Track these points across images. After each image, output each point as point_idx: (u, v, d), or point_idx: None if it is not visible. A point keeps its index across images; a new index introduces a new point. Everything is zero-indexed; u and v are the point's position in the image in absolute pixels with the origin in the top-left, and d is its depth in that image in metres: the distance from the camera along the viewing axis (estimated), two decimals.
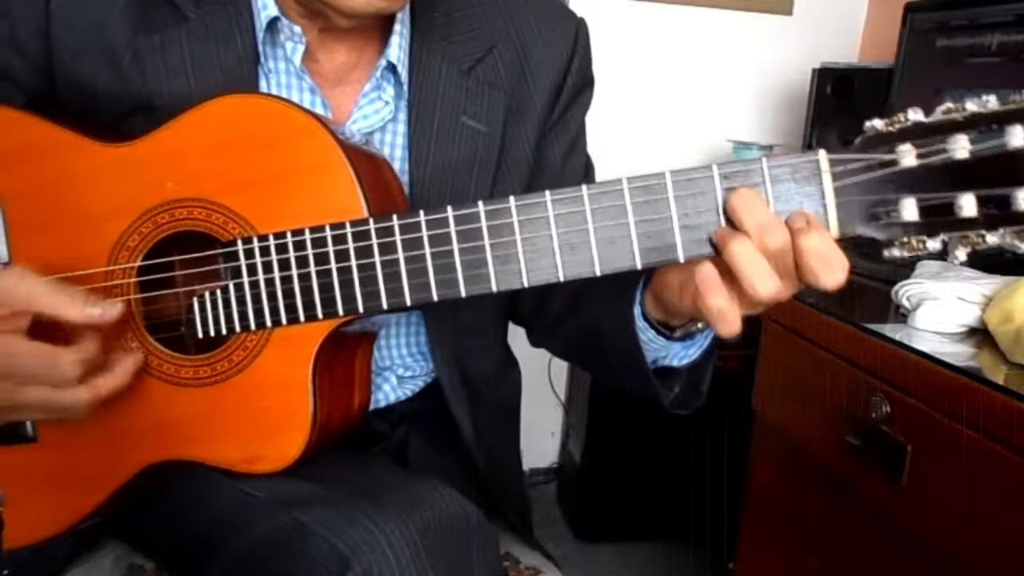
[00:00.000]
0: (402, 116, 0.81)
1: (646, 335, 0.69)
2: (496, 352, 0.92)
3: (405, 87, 0.79)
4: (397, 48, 0.78)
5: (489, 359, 0.90)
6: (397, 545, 0.60)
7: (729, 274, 0.57)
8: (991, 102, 0.54)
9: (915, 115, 0.56)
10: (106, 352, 0.67)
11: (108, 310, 0.65)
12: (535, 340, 0.94)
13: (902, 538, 0.96)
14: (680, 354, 0.72)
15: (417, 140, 0.79)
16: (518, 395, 0.98)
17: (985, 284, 0.98)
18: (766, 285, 0.56)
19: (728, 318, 0.57)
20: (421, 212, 0.63)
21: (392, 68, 0.78)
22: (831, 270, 0.55)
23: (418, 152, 0.79)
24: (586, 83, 0.88)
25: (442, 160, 0.79)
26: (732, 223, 0.57)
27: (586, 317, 0.79)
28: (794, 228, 0.56)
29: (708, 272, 0.57)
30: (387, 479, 0.71)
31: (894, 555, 0.98)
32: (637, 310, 0.69)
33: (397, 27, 0.78)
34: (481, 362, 0.88)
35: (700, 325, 0.68)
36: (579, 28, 0.86)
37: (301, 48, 0.75)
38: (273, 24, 0.75)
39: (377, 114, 0.80)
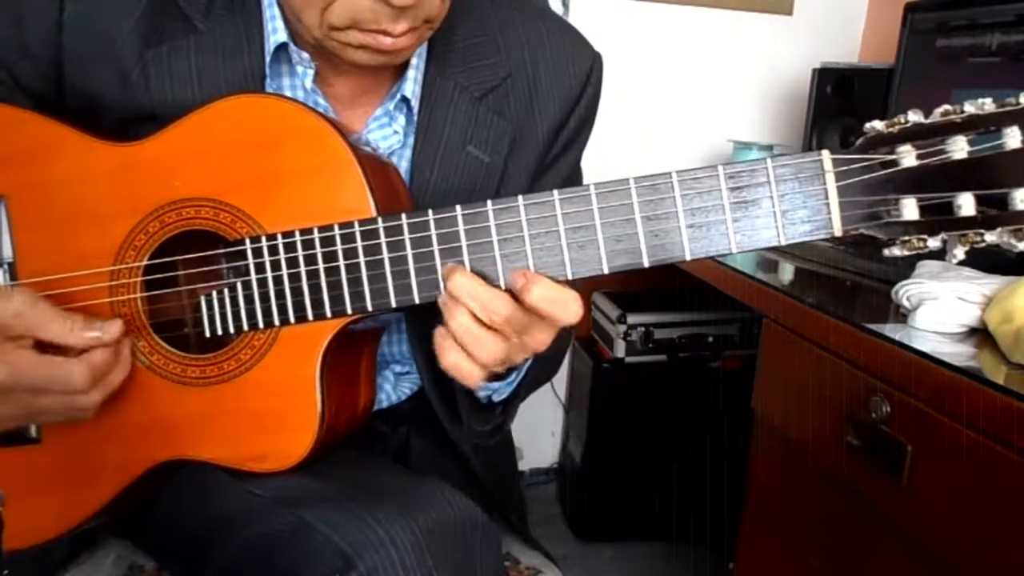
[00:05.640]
0: (410, 142, 0.80)
1: None
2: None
3: (415, 115, 0.79)
4: (412, 82, 0.77)
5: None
6: (401, 545, 0.60)
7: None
8: (988, 104, 0.55)
9: (915, 116, 0.57)
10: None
11: (108, 330, 0.67)
12: None
13: (902, 538, 0.96)
14: (503, 391, 0.77)
15: (419, 166, 0.79)
16: None
17: (985, 284, 0.98)
18: (489, 351, 0.60)
19: (462, 371, 0.61)
20: (430, 211, 0.63)
21: (405, 100, 0.78)
22: (565, 307, 0.59)
23: (419, 178, 0.78)
24: (588, 120, 0.86)
25: (443, 187, 0.79)
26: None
27: None
28: (516, 288, 0.59)
29: (438, 334, 0.61)
30: (391, 479, 0.72)
31: (894, 555, 0.98)
32: None
33: (414, 60, 0.77)
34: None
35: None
36: (594, 64, 0.84)
37: (311, 72, 0.75)
38: (282, 47, 0.74)
39: (385, 140, 0.79)
